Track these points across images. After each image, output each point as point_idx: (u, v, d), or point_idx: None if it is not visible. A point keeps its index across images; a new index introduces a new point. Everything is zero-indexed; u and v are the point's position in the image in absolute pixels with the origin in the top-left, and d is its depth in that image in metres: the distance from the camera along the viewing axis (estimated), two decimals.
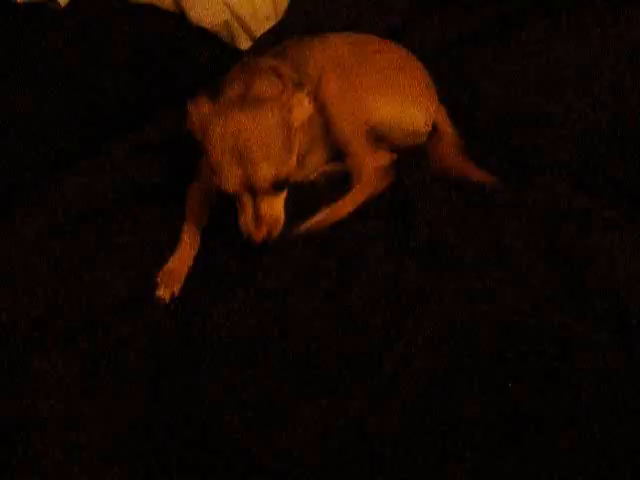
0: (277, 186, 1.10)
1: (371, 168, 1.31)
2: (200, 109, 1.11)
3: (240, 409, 1.00)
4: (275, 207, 1.12)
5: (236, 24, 1.92)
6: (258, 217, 1.09)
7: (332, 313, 1.12)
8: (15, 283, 1.22)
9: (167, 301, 1.13)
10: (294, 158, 1.13)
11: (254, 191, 1.08)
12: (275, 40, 1.78)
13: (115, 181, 1.43)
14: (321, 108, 1.26)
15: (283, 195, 1.14)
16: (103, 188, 1.41)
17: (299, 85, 1.17)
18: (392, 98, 1.34)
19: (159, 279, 1.15)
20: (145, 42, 1.80)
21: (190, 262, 1.19)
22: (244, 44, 1.92)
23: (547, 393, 0.98)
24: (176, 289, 1.14)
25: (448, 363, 1.03)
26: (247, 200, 1.09)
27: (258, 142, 1.06)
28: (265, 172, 1.06)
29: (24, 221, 1.34)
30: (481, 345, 1.05)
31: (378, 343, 1.07)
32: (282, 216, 1.13)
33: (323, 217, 1.26)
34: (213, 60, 1.83)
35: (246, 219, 1.10)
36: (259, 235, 1.09)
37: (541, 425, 0.94)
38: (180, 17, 1.87)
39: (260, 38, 1.87)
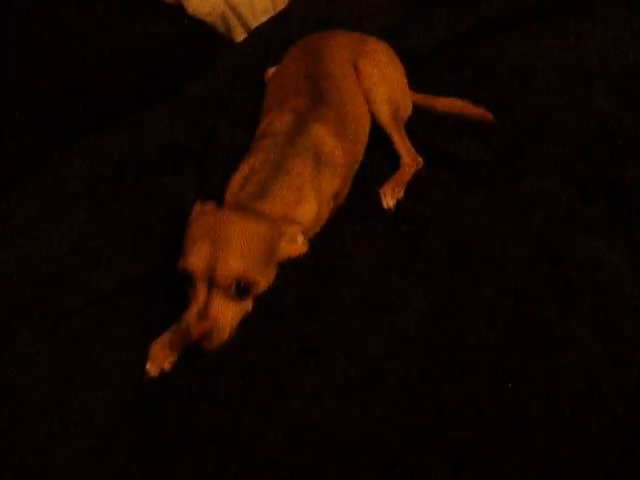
0: (239, 290, 0.99)
1: (410, 150, 1.40)
2: (203, 207, 1.08)
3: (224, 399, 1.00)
4: (227, 314, 0.99)
5: (233, 16, 1.94)
6: (204, 313, 0.97)
7: (317, 311, 1.11)
8: (4, 265, 1.21)
9: (155, 376, 1.02)
10: (265, 280, 1.04)
11: (213, 283, 0.97)
12: (271, 31, 1.80)
13: (109, 162, 1.42)
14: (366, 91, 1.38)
15: (242, 309, 1.02)
16: (97, 170, 1.41)
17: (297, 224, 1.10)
18: (405, 93, 1.49)
19: (151, 351, 1.04)
20: (143, 33, 1.80)
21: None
22: (240, 36, 1.94)
23: (528, 390, 0.98)
24: (167, 365, 1.03)
25: (432, 362, 1.02)
26: (201, 291, 0.98)
27: (237, 239, 0.99)
28: (232, 264, 0.97)
29: (17, 205, 1.34)
30: (464, 343, 1.04)
31: (362, 339, 1.06)
32: (228, 329, 0.99)
33: (391, 187, 1.32)
34: (209, 51, 1.85)
35: (191, 310, 0.98)
36: (195, 332, 0.95)
37: (525, 422, 0.94)
38: (177, 8, 1.88)
39: (255, 30, 1.88)
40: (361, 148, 1.36)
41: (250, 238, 1.01)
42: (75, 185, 1.38)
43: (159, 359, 1.03)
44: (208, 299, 0.98)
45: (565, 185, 1.31)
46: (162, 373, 1.03)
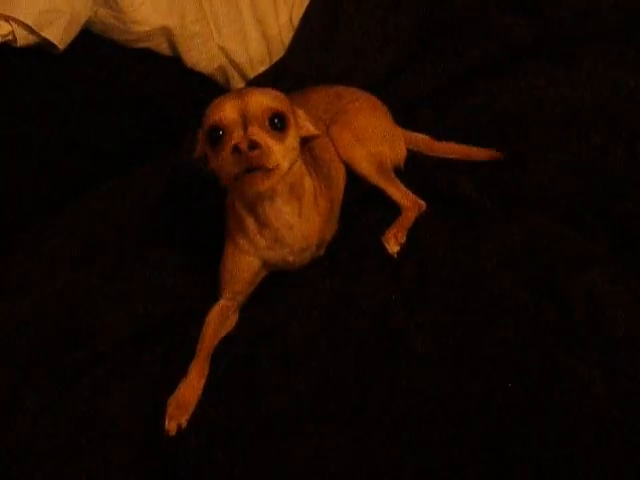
0: (274, 122, 1.02)
1: (407, 195, 1.41)
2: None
3: None
4: (270, 141, 1.01)
5: (231, 68, 1.97)
6: (249, 139, 0.98)
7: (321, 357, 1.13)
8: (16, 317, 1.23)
9: (173, 434, 1.04)
10: (293, 134, 1.07)
11: (247, 122, 1.00)
12: (267, 82, 1.84)
13: (112, 216, 1.45)
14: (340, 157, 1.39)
15: (287, 145, 1.04)
16: (100, 224, 1.44)
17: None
18: (391, 142, 1.48)
19: (168, 409, 1.07)
20: (142, 85, 1.83)
21: (199, 392, 1.10)
22: (238, 86, 1.98)
23: (530, 425, 0.98)
24: (183, 421, 1.05)
25: (434, 399, 1.03)
26: (237, 133, 1.00)
27: (262, 90, 1.07)
28: (260, 98, 1.02)
29: (21, 261, 1.36)
30: (467, 377, 1.05)
31: (364, 378, 1.07)
32: (273, 150, 1.01)
33: (393, 234, 1.32)
34: (208, 102, 1.88)
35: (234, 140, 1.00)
36: (243, 142, 0.97)
37: (526, 458, 0.94)
38: (176, 61, 1.91)
39: (252, 80, 1.92)
40: (338, 194, 1.39)
41: (274, 91, 1.07)
42: (77, 241, 1.41)
43: (176, 417, 1.05)
44: (247, 131, 0.99)
45: (563, 220, 1.31)
46: (179, 429, 1.05)
